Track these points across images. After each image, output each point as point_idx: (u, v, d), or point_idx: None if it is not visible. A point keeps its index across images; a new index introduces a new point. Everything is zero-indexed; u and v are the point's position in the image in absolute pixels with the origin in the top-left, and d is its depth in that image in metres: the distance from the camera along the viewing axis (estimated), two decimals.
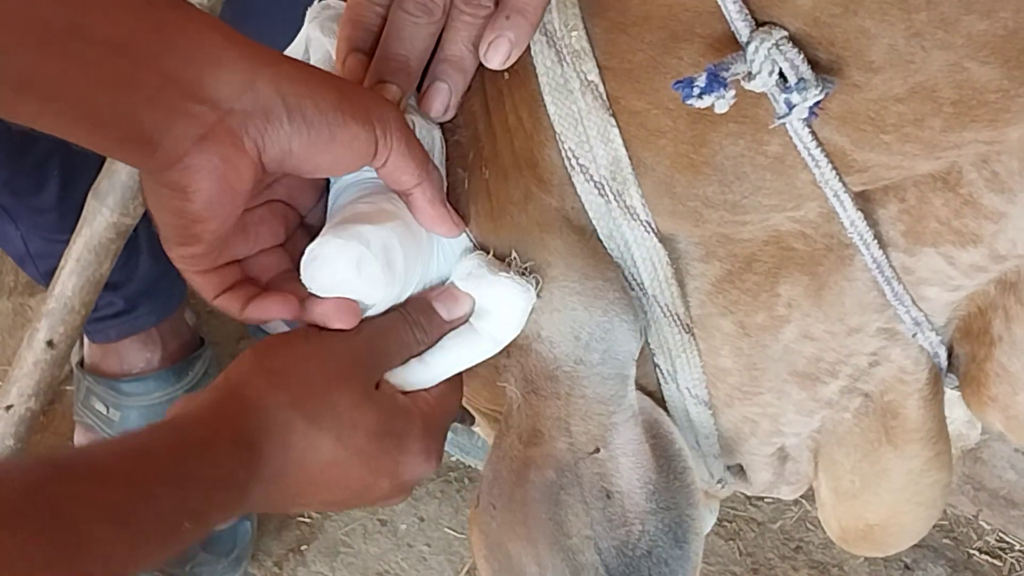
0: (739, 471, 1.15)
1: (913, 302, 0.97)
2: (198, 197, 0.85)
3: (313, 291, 0.94)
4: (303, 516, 2.13)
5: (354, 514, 2.13)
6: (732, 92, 0.83)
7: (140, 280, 2.00)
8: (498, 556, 1.03)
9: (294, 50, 1.02)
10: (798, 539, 2.07)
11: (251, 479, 0.85)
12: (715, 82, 0.82)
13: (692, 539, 1.01)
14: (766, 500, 2.10)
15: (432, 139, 0.96)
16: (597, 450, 1.00)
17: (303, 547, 2.11)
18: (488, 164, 0.97)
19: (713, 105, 0.83)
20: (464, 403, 1.10)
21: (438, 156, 0.97)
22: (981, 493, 2.09)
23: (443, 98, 0.96)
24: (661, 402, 1.05)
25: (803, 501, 2.07)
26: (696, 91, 0.82)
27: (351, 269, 0.92)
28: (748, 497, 2.11)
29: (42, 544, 0.72)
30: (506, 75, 0.96)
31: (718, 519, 2.10)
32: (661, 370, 1.03)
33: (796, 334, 1.00)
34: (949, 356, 1.04)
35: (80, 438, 2.10)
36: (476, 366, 1.00)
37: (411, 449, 0.93)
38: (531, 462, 1.01)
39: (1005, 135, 0.83)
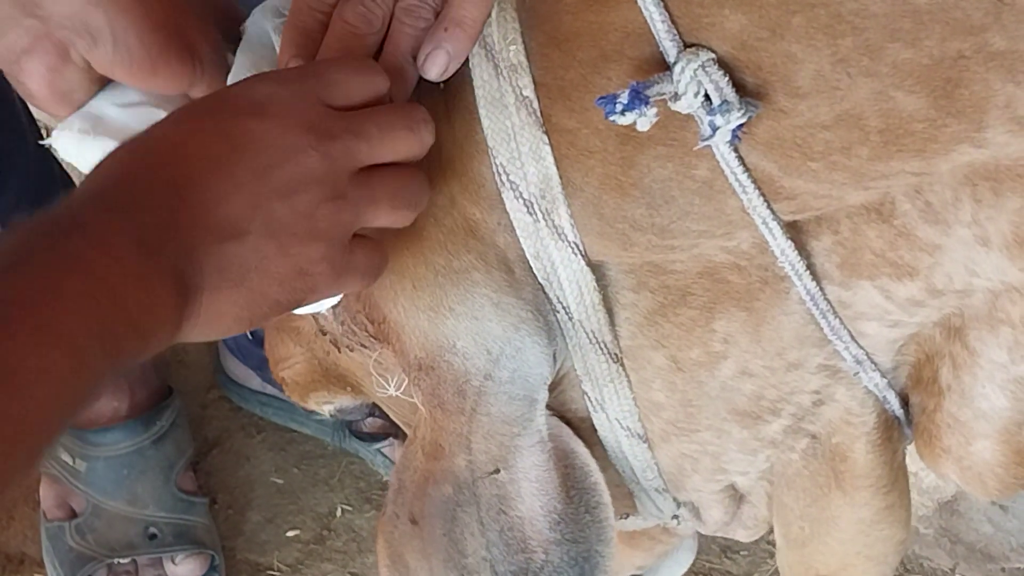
0: (693, 508, 1.14)
1: (852, 338, 0.96)
2: (34, 96, 0.99)
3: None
4: (272, 569, 2.12)
5: (324, 567, 2.12)
6: (654, 110, 0.83)
7: None
8: (399, 567, 1.03)
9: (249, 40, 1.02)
10: None
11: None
12: (637, 99, 0.82)
13: (599, 575, 1.00)
14: (741, 553, 2.10)
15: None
16: (497, 471, 0.99)
17: None
18: None
19: (635, 123, 0.83)
20: (389, 412, 1.10)
21: None
22: (958, 546, 2.09)
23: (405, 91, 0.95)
24: (591, 432, 1.04)
25: None
26: (619, 108, 0.83)
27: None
28: (723, 550, 2.10)
29: None
30: (442, 86, 0.96)
31: (692, 571, 2.10)
32: (589, 398, 1.02)
33: (734, 371, 0.99)
34: (907, 406, 1.04)
35: (46, 490, 2.09)
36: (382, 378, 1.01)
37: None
38: (431, 475, 1.00)
39: (934, 166, 0.83)
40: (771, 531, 1.17)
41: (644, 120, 0.83)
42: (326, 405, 1.14)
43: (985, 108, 0.79)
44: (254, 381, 2.24)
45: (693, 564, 2.08)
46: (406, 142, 0.91)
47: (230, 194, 0.83)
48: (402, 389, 1.00)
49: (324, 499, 2.20)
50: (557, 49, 0.90)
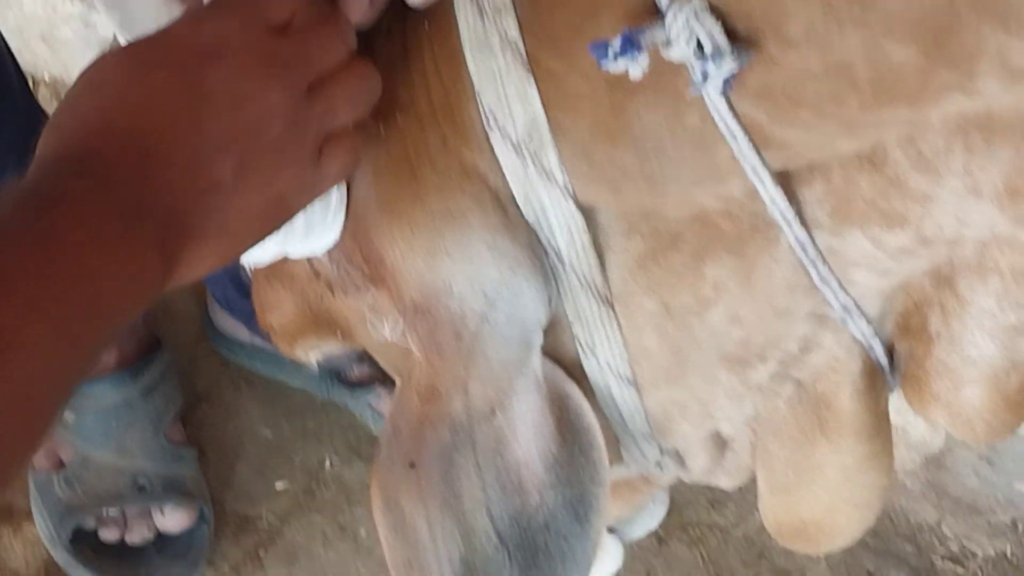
0: (677, 455, 1.15)
1: (840, 286, 0.97)
2: None
3: None
4: (260, 520, 2.14)
5: (313, 519, 2.14)
6: (646, 57, 0.83)
7: None
8: (393, 511, 1.04)
9: None
10: (761, 545, 2.08)
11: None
12: (630, 46, 0.82)
13: (594, 517, 1.02)
14: (728, 506, 2.11)
15: None
16: (494, 414, 1.00)
17: (260, 552, 2.11)
18: (403, 111, 0.98)
19: (627, 70, 0.84)
20: (378, 359, 1.10)
21: None
22: (944, 500, 2.10)
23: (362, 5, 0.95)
24: (582, 376, 1.05)
25: None
26: (611, 54, 0.83)
27: None
28: (711, 503, 2.12)
29: None
30: (427, 24, 0.96)
31: (680, 525, 2.12)
32: (580, 342, 1.03)
33: (723, 316, 1.00)
34: (891, 356, 1.04)
35: None
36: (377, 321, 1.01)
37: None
38: (427, 419, 1.01)
39: (925, 115, 0.84)
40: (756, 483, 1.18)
41: (636, 67, 0.84)
42: (313, 352, 1.14)
43: (976, 57, 0.79)
44: (242, 333, 2.24)
45: (681, 517, 2.11)
46: (341, 46, 0.91)
47: (201, 147, 0.83)
48: (398, 333, 1.01)
49: (313, 452, 2.21)
50: None
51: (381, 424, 2.19)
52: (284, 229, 0.92)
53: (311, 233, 0.98)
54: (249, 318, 2.17)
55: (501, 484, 1.01)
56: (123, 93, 0.83)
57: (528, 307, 0.98)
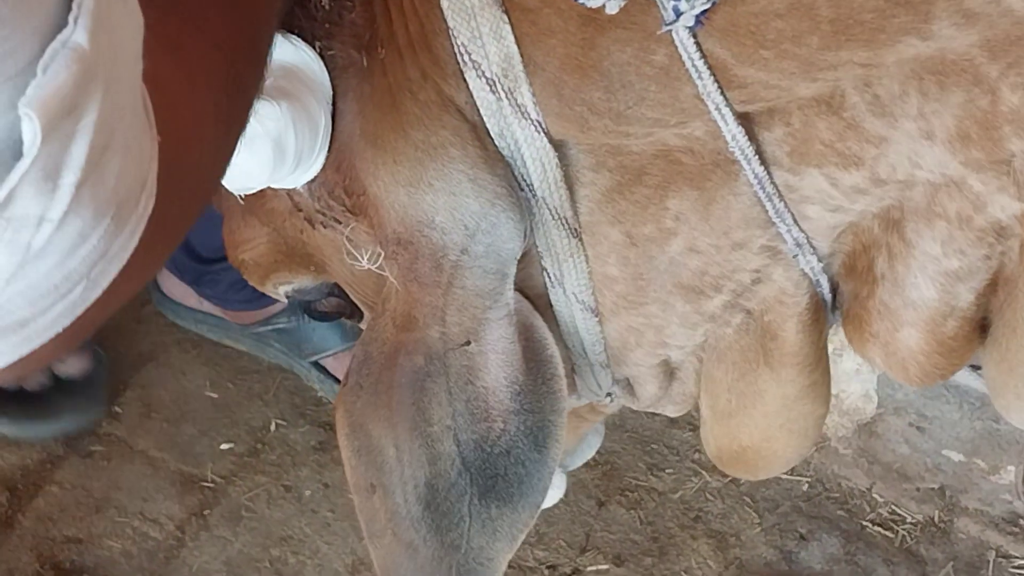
0: (626, 385, 1.19)
1: (795, 221, 1.00)
2: None
3: None
4: (205, 480, 2.16)
5: (258, 479, 2.16)
6: None
7: None
8: (359, 436, 1.07)
9: None
10: (697, 509, 2.12)
11: None
12: None
13: (552, 445, 1.05)
14: (667, 471, 2.16)
15: None
16: (468, 343, 1.03)
17: (206, 512, 2.14)
18: (384, 44, 1.00)
19: (604, 5, 0.87)
20: (350, 292, 1.13)
21: None
22: (875, 466, 2.15)
23: None
24: (548, 307, 1.08)
25: (703, 472, 2.13)
26: None
27: (242, 149, 0.93)
28: (649, 467, 2.17)
29: None
30: None
31: (619, 488, 2.16)
32: (548, 273, 1.06)
33: (682, 247, 1.03)
34: (835, 294, 1.08)
35: None
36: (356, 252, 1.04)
37: None
38: (402, 347, 1.04)
39: (881, 57, 0.87)
40: (698, 448, 1.21)
41: (613, 3, 0.87)
42: (284, 286, 1.17)
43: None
44: (191, 299, 2.26)
45: (620, 481, 2.15)
46: None
47: None
48: (377, 264, 1.03)
49: (258, 413, 2.24)
50: None
51: (327, 385, 2.22)
52: (275, 161, 0.97)
53: (299, 165, 1.01)
54: (198, 279, 2.19)
55: (470, 410, 1.04)
56: None
57: (505, 239, 1.01)
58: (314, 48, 1.01)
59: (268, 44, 0.87)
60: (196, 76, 0.74)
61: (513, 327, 1.04)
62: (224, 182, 0.99)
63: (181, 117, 0.71)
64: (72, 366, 2.16)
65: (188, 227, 0.77)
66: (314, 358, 2.22)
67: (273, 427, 2.22)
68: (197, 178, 0.76)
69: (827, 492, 2.16)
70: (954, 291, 1.01)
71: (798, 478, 2.15)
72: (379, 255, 1.03)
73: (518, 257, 1.03)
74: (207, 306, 2.26)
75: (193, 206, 0.77)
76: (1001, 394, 1.07)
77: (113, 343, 2.27)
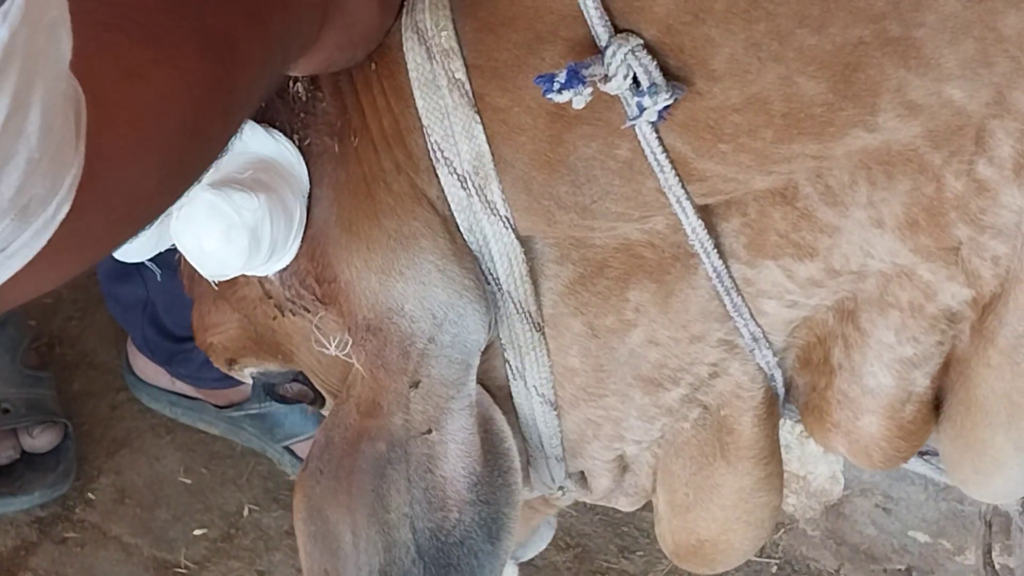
0: (580, 478, 1.19)
1: (751, 315, 1.02)
2: None
3: (178, 246, 1.01)
4: (179, 566, 2.16)
5: (231, 564, 2.16)
6: (590, 90, 0.90)
7: None
8: (316, 521, 1.08)
9: None
10: None
11: None
12: (575, 79, 0.89)
13: (504, 537, 1.06)
14: (638, 553, 2.17)
15: None
16: (430, 431, 1.04)
17: None
18: (357, 134, 1.02)
19: (571, 101, 0.90)
20: (315, 381, 1.14)
21: None
22: (843, 548, 2.16)
23: None
24: (508, 398, 1.10)
25: None
26: (556, 86, 0.90)
27: (219, 237, 0.98)
28: (620, 550, 2.17)
29: (198, 46, 0.80)
30: (373, 65, 1.01)
31: (590, 570, 2.17)
32: (511, 366, 1.08)
33: (642, 339, 1.05)
34: (788, 387, 1.10)
35: None
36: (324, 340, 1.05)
37: None
38: (365, 432, 1.05)
39: (831, 149, 0.91)
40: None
41: (579, 99, 0.90)
42: (250, 370, 1.18)
43: (878, 92, 0.87)
44: (163, 379, 2.27)
45: (592, 563, 2.16)
46: None
47: None
48: (344, 351, 1.04)
49: (232, 498, 2.24)
50: (492, 33, 0.97)
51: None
52: (251, 250, 0.99)
53: (274, 255, 1.02)
54: (170, 359, 2.21)
55: (428, 499, 1.05)
56: None
57: (471, 330, 1.03)
58: (292, 138, 1.03)
59: (243, 104, 0.88)
60: (153, 107, 0.76)
61: (474, 418, 1.05)
62: (198, 268, 1.03)
63: (123, 139, 0.73)
64: (41, 440, 2.17)
65: (115, 245, 0.81)
66: (287, 443, 2.23)
67: (246, 512, 2.22)
68: (132, 202, 0.78)
69: (796, 574, 2.16)
70: (910, 377, 1.03)
71: (767, 560, 2.16)
72: (347, 342, 1.04)
73: (482, 349, 1.05)
74: (180, 386, 2.28)
75: (123, 227, 0.80)
76: (958, 469, 1.09)
77: (87, 429, 2.27)
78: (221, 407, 2.26)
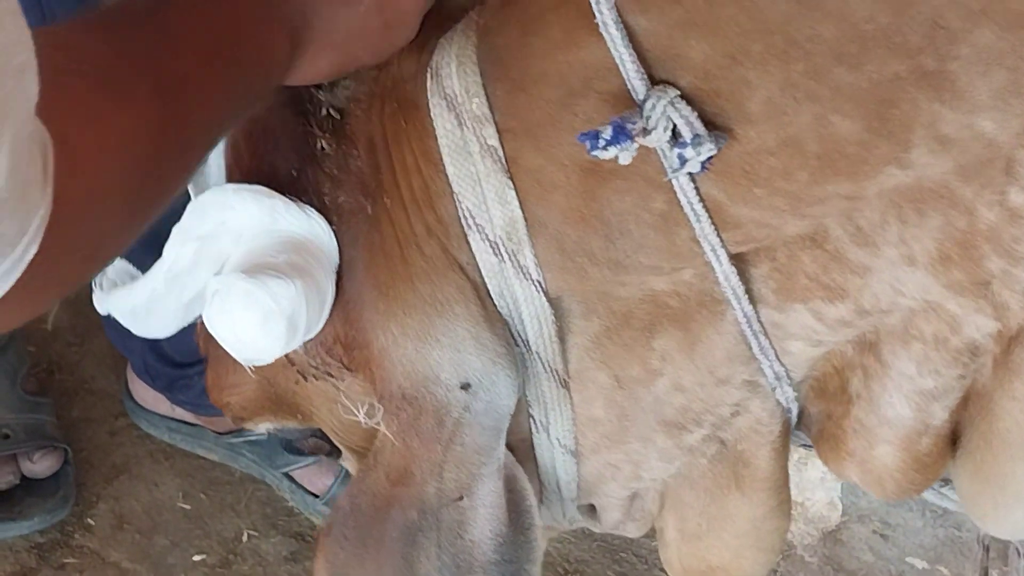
0: (588, 509, 1.18)
1: (776, 356, 1.01)
2: None
3: (211, 332, 0.98)
4: None
5: None
6: (636, 145, 0.88)
7: None
8: None
9: None
10: None
11: None
12: (621, 135, 0.87)
13: None
14: None
15: None
16: (461, 498, 1.03)
17: None
18: (389, 195, 1.01)
19: (617, 157, 0.88)
20: (334, 438, 1.12)
21: None
22: (840, 574, 2.16)
23: None
24: (529, 448, 1.08)
25: None
26: (602, 143, 0.88)
27: (256, 326, 0.95)
28: None
29: (150, 87, 0.80)
30: (404, 122, 1.00)
31: None
32: (535, 420, 1.06)
33: (668, 386, 1.03)
34: (799, 415, 1.09)
35: None
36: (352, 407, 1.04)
37: None
38: (396, 501, 1.03)
39: (864, 189, 0.89)
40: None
41: (626, 154, 0.89)
42: (266, 426, 1.16)
43: (912, 127, 0.86)
44: (163, 406, 2.26)
45: None
46: None
47: None
48: (374, 418, 1.03)
49: (231, 524, 2.23)
50: (524, 93, 0.95)
51: (299, 496, 2.23)
52: (288, 337, 0.97)
53: (309, 332, 1.00)
54: (170, 385, 2.20)
55: (456, 564, 1.04)
56: None
57: (503, 396, 1.01)
58: (324, 198, 1.02)
59: (203, 139, 0.89)
60: (114, 149, 0.77)
61: (502, 481, 1.04)
62: (233, 354, 1.00)
63: (88, 181, 0.75)
64: (40, 465, 2.15)
65: (81, 282, 0.83)
66: (285, 469, 2.22)
67: (245, 538, 2.21)
68: (97, 241, 0.80)
69: None
70: (929, 409, 1.02)
71: None
72: (378, 410, 1.02)
73: (512, 412, 1.03)
74: (180, 413, 2.26)
75: (88, 265, 0.83)
76: (977, 504, 1.08)
77: (86, 455, 2.25)
78: (220, 433, 2.25)
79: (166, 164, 0.84)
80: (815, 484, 2.12)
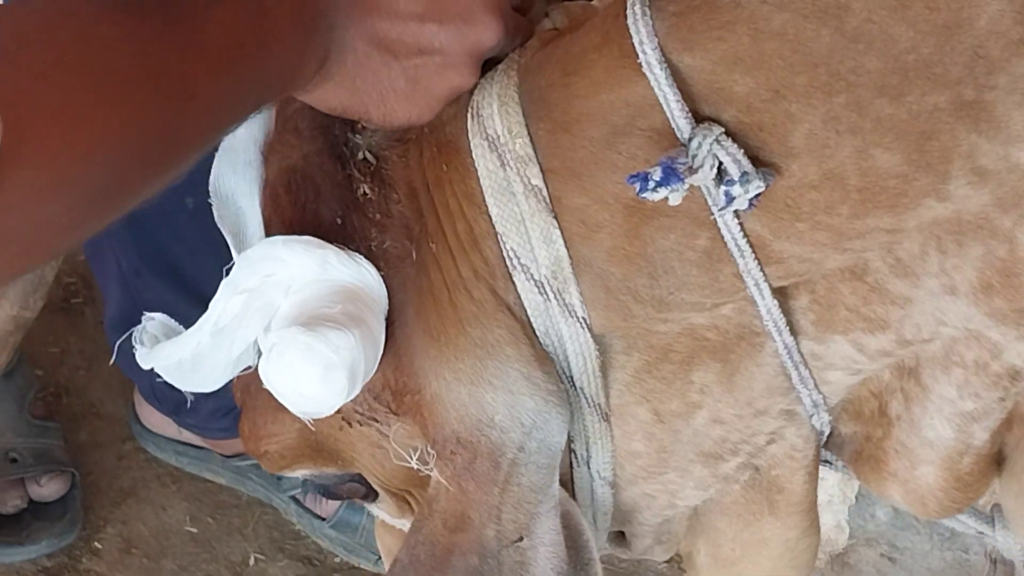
0: (616, 536, 1.18)
1: (815, 386, 1.01)
2: None
3: (268, 387, 0.95)
4: None
5: None
6: (687, 186, 0.87)
7: None
8: None
9: None
10: None
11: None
12: (672, 176, 0.87)
13: None
14: None
15: None
16: (521, 539, 1.02)
17: None
18: (434, 239, 1.00)
19: (668, 198, 0.88)
20: (373, 482, 1.11)
21: None
22: None
23: None
24: (569, 482, 1.07)
25: None
26: (651, 184, 0.88)
27: (317, 379, 0.93)
28: None
29: (152, 90, 0.78)
30: (444, 166, 0.99)
31: None
32: (576, 455, 1.05)
33: (707, 419, 1.03)
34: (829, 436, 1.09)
35: None
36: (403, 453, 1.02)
37: None
38: (456, 547, 1.02)
39: (904, 222, 0.89)
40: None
41: (676, 195, 0.88)
42: (303, 472, 1.14)
43: (950, 158, 0.86)
44: (170, 429, 2.26)
45: None
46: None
47: (396, 15, 0.94)
48: (428, 464, 1.02)
49: (238, 548, 2.22)
50: (567, 133, 0.95)
51: (306, 520, 2.23)
52: (349, 388, 0.95)
53: (364, 380, 0.98)
54: (177, 409, 2.20)
55: None
56: None
57: (555, 434, 1.01)
58: (371, 244, 1.01)
59: (196, 143, 0.86)
60: (80, 148, 0.75)
61: (558, 518, 1.03)
62: (290, 408, 0.98)
63: (36, 175, 0.73)
64: (48, 489, 2.15)
65: (23, 272, 0.82)
66: (293, 492, 2.22)
67: (252, 561, 2.20)
68: (42, 235, 0.78)
69: None
70: (969, 430, 1.02)
71: None
72: (431, 456, 1.01)
73: (562, 449, 1.02)
74: (187, 436, 2.26)
75: (32, 256, 0.81)
76: (1021, 523, 1.09)
77: (94, 479, 2.25)
78: (228, 456, 2.25)
79: (148, 168, 0.82)
80: (822, 507, 2.11)
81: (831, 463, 1.16)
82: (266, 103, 0.93)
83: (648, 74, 0.90)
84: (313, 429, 1.07)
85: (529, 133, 0.96)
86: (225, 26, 0.84)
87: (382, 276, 1.00)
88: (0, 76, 0.69)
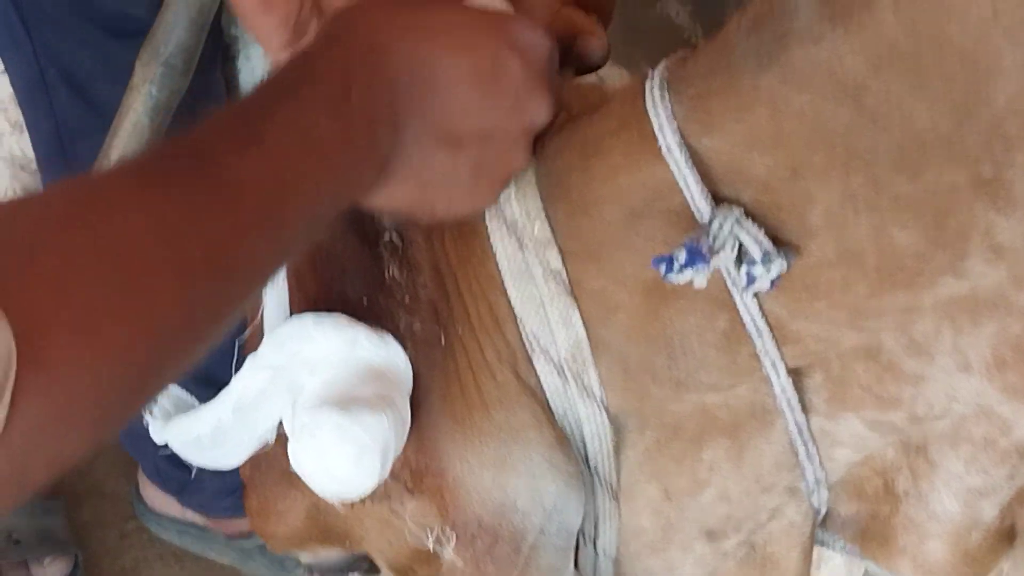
0: None
1: (820, 462, 1.00)
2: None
3: (295, 468, 0.92)
4: None
5: None
6: (711, 267, 0.87)
7: None
8: None
9: None
10: None
11: (399, 109, 0.86)
12: (697, 258, 0.87)
13: None
14: None
15: None
16: None
17: None
18: (460, 322, 0.99)
19: (692, 280, 0.87)
20: (378, 559, 1.08)
21: None
22: None
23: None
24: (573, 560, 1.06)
25: None
26: (676, 267, 0.87)
27: (351, 463, 0.91)
28: None
29: (186, 278, 0.71)
30: (465, 249, 0.98)
31: None
32: (583, 533, 1.04)
33: (714, 496, 1.02)
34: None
35: None
36: (405, 526, 1.00)
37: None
38: None
39: (921, 300, 0.88)
40: None
41: (701, 277, 0.88)
42: (307, 557, 1.12)
43: (968, 236, 0.85)
44: (173, 508, 2.25)
45: None
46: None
47: (456, 104, 0.90)
48: (448, 546, 1.00)
49: None
50: (586, 215, 0.94)
51: None
52: (382, 470, 0.92)
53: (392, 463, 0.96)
54: (181, 488, 2.19)
55: None
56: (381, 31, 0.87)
57: (573, 515, 1.00)
58: (400, 324, 0.99)
59: (211, 330, 0.77)
60: (95, 367, 0.67)
61: None
62: (319, 491, 0.95)
63: (52, 404, 0.65)
64: (51, 570, 2.15)
65: (36, 489, 0.71)
66: (296, 573, 2.22)
67: None
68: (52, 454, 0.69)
69: None
70: (978, 506, 1.01)
71: None
72: (450, 537, 1.00)
73: (579, 530, 1.01)
74: (190, 515, 2.25)
75: (42, 473, 0.70)
76: None
77: (97, 559, 2.24)
78: (232, 537, 2.24)
79: (171, 360, 0.72)
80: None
81: (829, 544, 1.15)
82: (323, 228, 0.86)
83: (668, 158, 0.89)
84: (312, 505, 1.06)
85: (547, 216, 0.96)
86: (262, 173, 0.76)
87: (409, 357, 0.98)
88: (13, 292, 0.62)
